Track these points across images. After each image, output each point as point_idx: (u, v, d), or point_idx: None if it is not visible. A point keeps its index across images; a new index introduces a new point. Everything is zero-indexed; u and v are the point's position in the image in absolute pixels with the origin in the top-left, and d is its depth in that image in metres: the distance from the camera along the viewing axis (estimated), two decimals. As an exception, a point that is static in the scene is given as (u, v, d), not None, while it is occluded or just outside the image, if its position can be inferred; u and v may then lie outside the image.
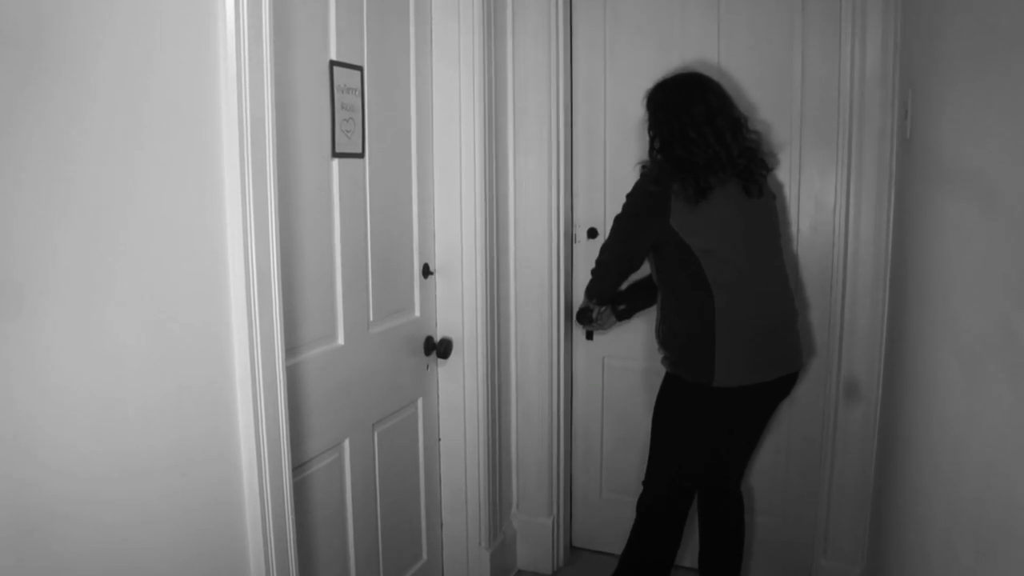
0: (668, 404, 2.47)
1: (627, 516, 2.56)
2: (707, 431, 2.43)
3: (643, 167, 2.46)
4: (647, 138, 2.44)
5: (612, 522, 3.07)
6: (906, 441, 2.12)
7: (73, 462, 1.26)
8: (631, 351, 3.03)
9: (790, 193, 2.76)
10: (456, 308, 2.65)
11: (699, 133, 2.28)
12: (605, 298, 2.67)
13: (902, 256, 2.36)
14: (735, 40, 2.76)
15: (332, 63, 2.03)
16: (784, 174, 2.76)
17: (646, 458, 2.55)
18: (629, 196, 2.42)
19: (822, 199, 2.72)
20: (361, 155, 2.18)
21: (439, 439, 2.73)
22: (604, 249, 2.56)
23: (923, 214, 2.04)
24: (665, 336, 2.45)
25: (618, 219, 2.46)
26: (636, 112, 2.87)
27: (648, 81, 2.85)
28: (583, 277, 3.05)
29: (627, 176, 2.91)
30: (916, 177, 2.15)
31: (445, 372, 2.69)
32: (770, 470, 2.92)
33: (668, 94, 2.40)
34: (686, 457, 2.46)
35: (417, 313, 2.54)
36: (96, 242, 1.27)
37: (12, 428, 1.16)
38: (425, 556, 2.69)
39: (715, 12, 2.77)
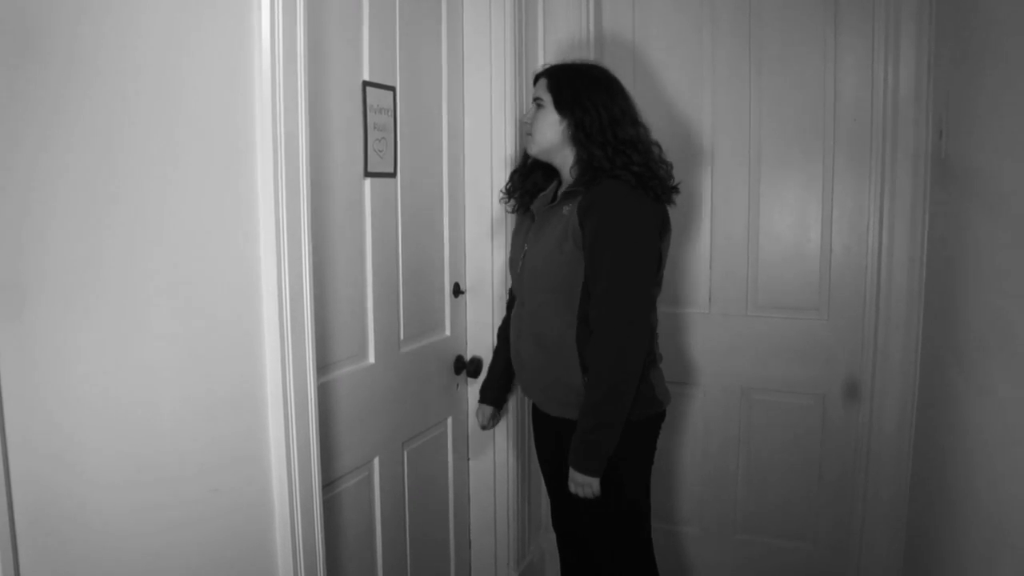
0: (622, 464, 2.04)
1: (658, 549, 2.52)
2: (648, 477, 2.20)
3: (586, 177, 2.03)
4: (550, 122, 2.06)
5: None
6: (942, 467, 2.09)
7: (102, 468, 1.27)
8: (666, 371, 3.00)
9: (822, 213, 2.73)
10: (487, 327, 2.64)
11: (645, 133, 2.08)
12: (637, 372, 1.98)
13: (937, 279, 2.33)
14: (766, 58, 2.75)
15: (365, 83, 2.05)
16: (816, 193, 2.74)
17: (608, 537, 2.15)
18: (630, 223, 1.96)
19: (855, 219, 2.69)
20: (393, 175, 2.19)
21: (468, 458, 2.73)
22: (624, 316, 1.95)
23: (960, 236, 2.02)
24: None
25: (628, 261, 1.95)
26: (665, 132, 2.87)
27: (679, 101, 2.87)
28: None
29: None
30: (952, 198, 2.13)
31: (475, 391, 2.68)
32: (803, 495, 2.88)
33: (609, 80, 2.09)
34: (643, 515, 2.18)
35: (447, 332, 2.55)
36: (132, 255, 1.28)
37: (41, 432, 1.16)
38: (453, 576, 2.68)
39: (746, 30, 2.76)
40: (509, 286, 2.47)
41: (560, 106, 2.05)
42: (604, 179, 1.99)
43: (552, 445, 2.25)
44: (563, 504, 2.32)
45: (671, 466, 3.03)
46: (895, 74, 2.55)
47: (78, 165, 1.19)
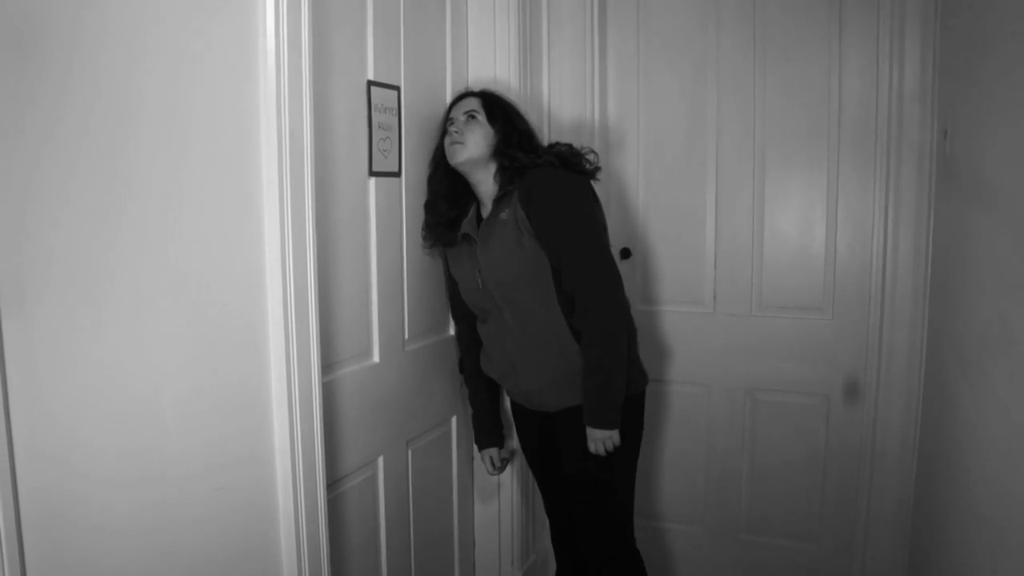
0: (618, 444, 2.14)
1: (649, 547, 2.51)
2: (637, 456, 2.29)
3: (518, 163, 2.13)
4: (489, 131, 2.17)
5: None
6: (946, 467, 2.08)
7: (107, 467, 1.27)
8: (670, 371, 3.01)
9: (827, 213, 2.73)
10: (490, 326, 2.64)
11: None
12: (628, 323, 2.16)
13: (943, 277, 2.33)
14: (771, 57, 2.75)
15: (370, 83, 2.05)
16: (820, 193, 2.73)
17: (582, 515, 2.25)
18: (570, 191, 2.08)
19: (860, 219, 2.69)
20: (398, 174, 2.20)
21: (472, 457, 2.73)
22: (600, 269, 2.07)
23: (964, 235, 2.01)
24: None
25: (583, 221, 2.07)
26: (670, 128, 2.89)
27: (682, 98, 2.88)
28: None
29: (661, 193, 2.92)
30: (957, 197, 2.13)
31: (479, 390, 2.68)
32: (807, 495, 2.87)
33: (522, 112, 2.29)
34: (630, 498, 2.29)
35: (451, 331, 2.55)
36: (136, 255, 1.29)
37: (46, 432, 1.17)
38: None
39: (751, 29, 2.76)
40: (455, 331, 2.49)
41: (492, 120, 2.18)
42: (528, 171, 2.11)
43: (536, 440, 2.36)
44: (557, 494, 2.41)
45: (675, 466, 3.03)
46: (900, 74, 2.54)
47: (82, 164, 1.19)
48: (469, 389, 2.49)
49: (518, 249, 2.08)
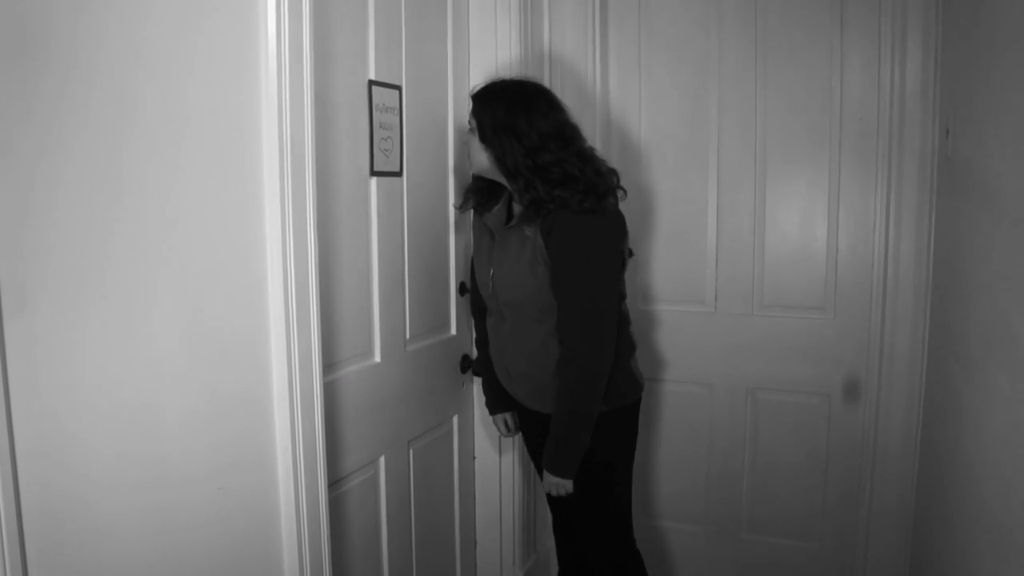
0: (600, 449, 2.13)
1: (650, 546, 2.52)
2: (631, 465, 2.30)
3: (535, 195, 2.02)
4: (489, 151, 2.06)
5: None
6: (948, 467, 2.08)
7: (109, 470, 1.27)
8: (672, 370, 3.01)
9: (828, 212, 2.73)
10: (492, 326, 2.64)
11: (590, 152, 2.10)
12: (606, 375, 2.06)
13: (944, 276, 2.32)
14: (772, 55, 2.74)
15: (371, 83, 2.05)
16: (822, 192, 2.73)
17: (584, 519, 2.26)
18: (590, 246, 2.03)
19: (862, 218, 2.69)
20: (399, 174, 2.20)
21: (474, 457, 2.73)
22: (591, 328, 2.02)
23: (965, 234, 2.01)
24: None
25: (590, 279, 2.03)
26: (671, 127, 2.89)
27: (684, 98, 2.87)
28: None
29: (662, 193, 2.91)
30: (959, 196, 2.12)
31: (481, 390, 2.68)
32: (809, 494, 2.87)
33: (530, 100, 2.06)
34: (627, 499, 2.29)
35: (453, 331, 2.55)
36: (137, 256, 1.29)
37: (48, 436, 1.17)
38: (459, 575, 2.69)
39: (752, 30, 2.76)
40: (469, 295, 2.47)
41: (482, 138, 2.07)
42: (556, 212, 2.00)
43: (539, 437, 2.30)
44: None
45: (677, 465, 3.03)
46: (902, 73, 2.54)
47: (83, 164, 1.19)
48: (479, 356, 2.47)
49: (530, 274, 2.05)
